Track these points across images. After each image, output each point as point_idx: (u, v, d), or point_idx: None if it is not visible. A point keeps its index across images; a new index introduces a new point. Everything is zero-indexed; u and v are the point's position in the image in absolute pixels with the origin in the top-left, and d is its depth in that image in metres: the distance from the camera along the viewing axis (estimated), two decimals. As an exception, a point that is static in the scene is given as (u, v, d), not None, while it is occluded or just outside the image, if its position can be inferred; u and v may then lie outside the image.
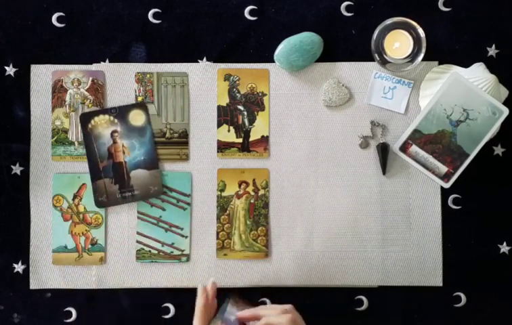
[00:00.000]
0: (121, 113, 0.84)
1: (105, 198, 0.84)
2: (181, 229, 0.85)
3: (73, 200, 0.85)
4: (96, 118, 0.84)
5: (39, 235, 0.85)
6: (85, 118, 0.84)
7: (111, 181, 0.84)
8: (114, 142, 0.84)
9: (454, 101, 0.81)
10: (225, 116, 0.86)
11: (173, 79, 0.86)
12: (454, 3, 0.86)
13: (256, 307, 0.73)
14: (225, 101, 0.86)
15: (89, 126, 0.84)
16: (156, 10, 0.86)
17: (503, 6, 0.86)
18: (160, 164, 0.85)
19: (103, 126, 0.84)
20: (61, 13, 0.86)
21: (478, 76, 0.81)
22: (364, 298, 0.85)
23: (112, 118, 0.84)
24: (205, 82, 0.86)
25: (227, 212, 0.85)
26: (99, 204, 0.84)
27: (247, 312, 0.72)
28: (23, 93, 0.85)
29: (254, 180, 0.85)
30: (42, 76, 0.85)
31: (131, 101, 0.85)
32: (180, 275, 0.85)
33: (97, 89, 0.85)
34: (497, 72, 0.82)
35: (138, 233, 0.85)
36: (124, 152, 0.84)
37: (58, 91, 0.85)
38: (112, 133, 0.84)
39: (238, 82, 0.86)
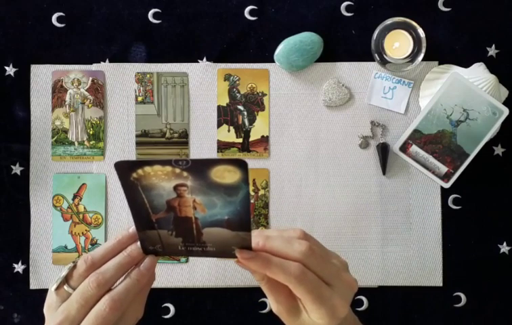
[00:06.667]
0: (195, 167, 0.51)
1: (160, 247, 0.58)
2: (182, 229, 0.81)
3: (73, 200, 0.85)
4: (147, 168, 0.51)
5: (39, 235, 0.85)
6: (125, 169, 0.52)
7: (170, 233, 0.57)
8: (180, 196, 0.53)
9: (454, 101, 0.81)
10: (225, 116, 0.86)
11: (173, 79, 0.86)
12: (454, 3, 0.86)
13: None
14: (225, 101, 0.86)
15: (134, 175, 0.52)
16: (156, 10, 0.86)
17: (503, 6, 0.86)
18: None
19: (161, 177, 0.52)
20: (61, 13, 0.86)
21: (478, 76, 0.81)
22: (363, 298, 0.85)
23: (177, 170, 0.51)
24: (205, 82, 0.86)
25: (227, 212, 0.84)
26: (148, 252, 0.59)
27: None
28: (23, 93, 0.85)
29: (254, 180, 0.85)
30: (42, 76, 0.85)
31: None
32: (180, 275, 0.85)
33: (97, 89, 0.85)
34: (497, 72, 0.82)
35: (138, 233, 0.82)
36: (195, 208, 0.54)
37: (58, 91, 0.85)
38: (177, 187, 0.53)
39: (238, 82, 0.86)
